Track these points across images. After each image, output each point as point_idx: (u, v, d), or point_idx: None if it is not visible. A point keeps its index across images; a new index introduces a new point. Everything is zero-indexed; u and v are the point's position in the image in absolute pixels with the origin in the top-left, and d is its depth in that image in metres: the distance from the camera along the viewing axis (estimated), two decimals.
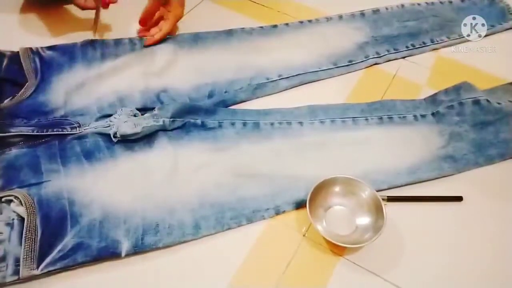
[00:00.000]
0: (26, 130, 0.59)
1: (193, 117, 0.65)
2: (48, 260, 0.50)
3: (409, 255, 0.55)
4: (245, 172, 0.61)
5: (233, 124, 0.66)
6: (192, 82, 0.71)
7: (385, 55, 0.80)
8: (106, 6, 0.72)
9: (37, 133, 0.59)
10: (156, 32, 0.74)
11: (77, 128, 0.61)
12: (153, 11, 0.73)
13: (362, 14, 0.86)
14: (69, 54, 0.70)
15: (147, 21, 0.74)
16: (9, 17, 0.80)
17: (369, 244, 0.53)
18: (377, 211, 0.56)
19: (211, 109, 0.67)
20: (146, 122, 0.61)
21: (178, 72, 0.72)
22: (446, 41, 0.83)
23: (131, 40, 0.74)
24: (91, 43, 0.72)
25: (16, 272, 0.49)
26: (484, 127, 0.67)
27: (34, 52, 0.69)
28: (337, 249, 0.55)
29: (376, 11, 0.86)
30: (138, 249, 0.53)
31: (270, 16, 0.86)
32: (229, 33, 0.79)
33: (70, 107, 0.64)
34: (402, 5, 0.88)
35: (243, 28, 0.80)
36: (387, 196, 0.59)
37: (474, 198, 0.61)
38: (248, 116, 0.67)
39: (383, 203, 0.56)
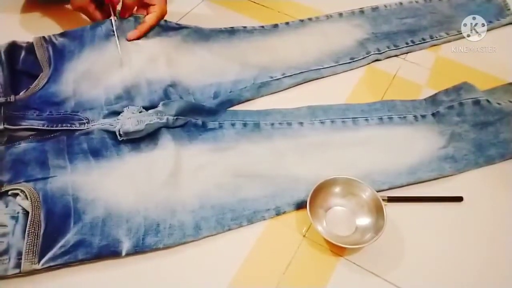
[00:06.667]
0: (37, 124, 0.60)
1: (195, 116, 0.65)
2: (49, 255, 0.50)
3: (409, 255, 0.56)
4: (246, 172, 0.61)
5: (233, 124, 0.66)
6: (197, 82, 0.71)
7: (385, 51, 0.80)
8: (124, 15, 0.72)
9: (47, 128, 0.60)
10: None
11: (86, 124, 0.62)
12: (131, 5, 0.71)
13: (362, 11, 0.86)
14: (79, 39, 0.70)
15: (126, 15, 0.72)
16: (10, 17, 0.80)
17: (370, 244, 0.53)
18: (378, 212, 0.56)
19: (213, 110, 0.67)
20: (150, 120, 0.61)
21: (184, 67, 0.72)
22: (445, 37, 0.84)
23: (136, 18, 0.73)
24: (100, 24, 0.71)
25: (18, 265, 0.49)
26: (484, 128, 0.67)
27: (47, 41, 0.69)
28: (337, 250, 0.55)
29: (375, 9, 0.87)
30: (139, 249, 0.53)
31: (270, 16, 0.86)
32: (231, 31, 0.79)
33: (79, 97, 0.65)
34: (401, 3, 0.88)
35: (245, 27, 0.81)
36: (388, 197, 0.59)
37: (474, 198, 0.61)
38: (249, 117, 0.67)
39: (383, 203, 0.56)
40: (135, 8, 0.73)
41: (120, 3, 0.72)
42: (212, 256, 0.55)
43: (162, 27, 0.74)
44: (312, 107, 0.70)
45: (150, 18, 0.71)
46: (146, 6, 0.73)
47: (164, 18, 0.74)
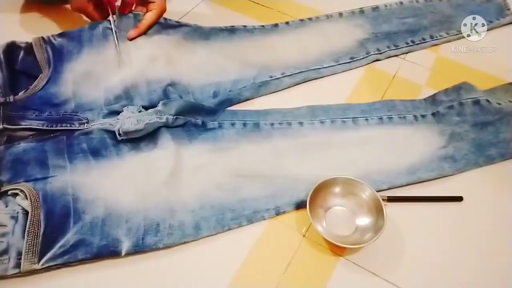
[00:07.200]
0: (36, 124, 0.60)
1: (195, 116, 0.65)
2: (49, 255, 0.50)
3: (409, 255, 0.56)
4: (245, 172, 0.61)
5: (233, 124, 0.66)
6: (197, 81, 0.71)
7: (385, 51, 0.80)
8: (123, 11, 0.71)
9: (47, 128, 0.60)
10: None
11: (85, 124, 0.62)
12: (131, 2, 0.71)
13: (362, 11, 0.86)
14: (77, 39, 0.70)
15: (125, 11, 0.72)
16: (9, 17, 0.80)
17: (369, 244, 0.53)
18: (377, 212, 0.56)
19: (213, 109, 0.67)
20: (149, 119, 0.61)
21: (183, 66, 0.72)
22: (445, 37, 0.84)
23: (135, 15, 0.72)
24: (98, 24, 0.71)
25: (18, 265, 0.49)
26: (484, 127, 0.67)
27: (46, 42, 0.69)
28: (337, 250, 0.55)
29: (375, 9, 0.87)
30: (139, 249, 0.53)
31: (270, 16, 0.86)
32: (231, 30, 0.79)
33: (78, 99, 0.65)
34: (401, 2, 0.88)
35: (245, 26, 0.81)
36: (387, 197, 0.59)
37: (474, 198, 0.61)
38: (248, 117, 0.67)
39: (383, 203, 0.56)
40: (134, 5, 0.73)
41: (119, 1, 0.72)
42: (212, 256, 0.55)
43: (162, 25, 0.74)
44: (312, 107, 0.70)
45: (149, 16, 0.71)
46: (146, 3, 0.72)
47: (164, 16, 0.74)
